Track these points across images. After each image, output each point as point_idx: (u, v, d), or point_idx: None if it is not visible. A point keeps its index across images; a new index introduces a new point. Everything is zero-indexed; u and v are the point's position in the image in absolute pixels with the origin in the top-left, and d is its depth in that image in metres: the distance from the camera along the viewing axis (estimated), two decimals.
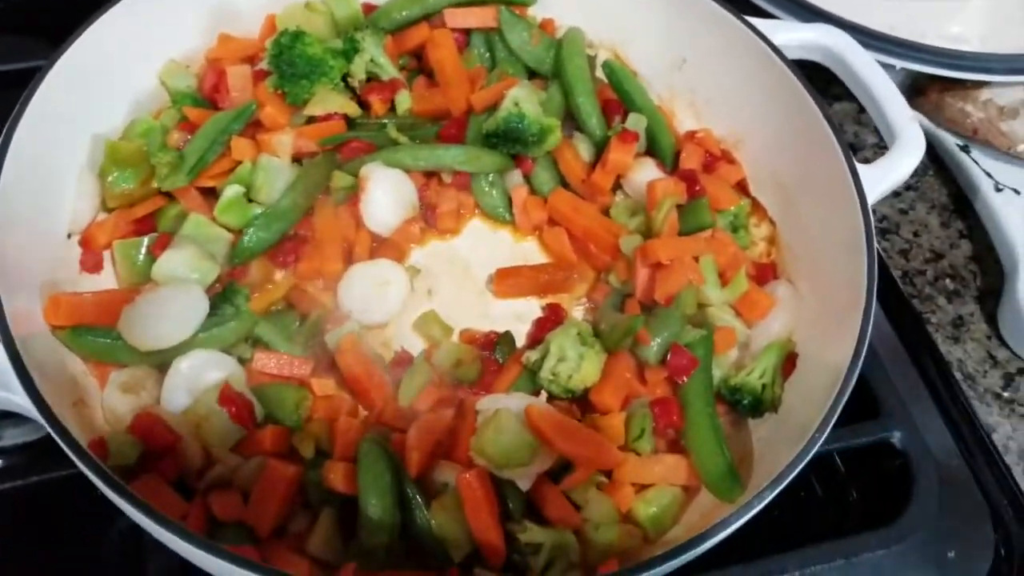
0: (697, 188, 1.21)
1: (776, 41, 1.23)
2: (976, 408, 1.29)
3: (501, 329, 1.20)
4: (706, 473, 1.04)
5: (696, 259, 1.16)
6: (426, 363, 1.12)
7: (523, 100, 1.24)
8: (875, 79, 1.20)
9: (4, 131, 1.04)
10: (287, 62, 1.21)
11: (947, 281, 1.43)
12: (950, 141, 1.48)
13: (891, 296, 1.32)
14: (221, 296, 1.10)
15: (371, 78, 1.30)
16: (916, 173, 1.18)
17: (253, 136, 1.23)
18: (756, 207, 1.28)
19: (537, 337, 1.17)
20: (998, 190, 1.42)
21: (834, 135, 1.15)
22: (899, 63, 1.40)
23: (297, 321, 1.16)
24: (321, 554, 0.97)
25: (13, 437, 1.11)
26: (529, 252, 1.30)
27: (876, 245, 1.06)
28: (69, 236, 1.15)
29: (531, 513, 1.01)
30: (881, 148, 1.49)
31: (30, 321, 1.00)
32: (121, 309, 1.05)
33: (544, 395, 1.11)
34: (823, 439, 0.95)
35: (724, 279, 1.17)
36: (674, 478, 1.05)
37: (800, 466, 0.94)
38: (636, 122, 1.28)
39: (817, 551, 1.08)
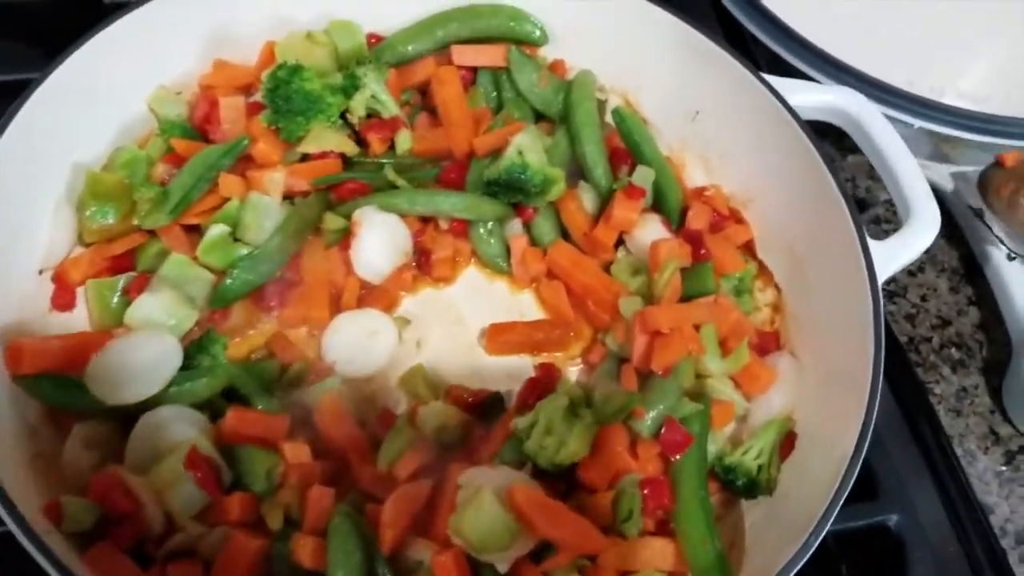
0: (703, 252, 1.16)
1: (792, 101, 1.18)
2: (975, 487, 1.25)
3: (491, 386, 1.15)
4: (695, 561, 0.99)
5: (697, 327, 1.10)
6: (408, 426, 1.07)
7: (527, 148, 1.19)
8: (892, 148, 1.15)
9: None
10: (283, 97, 1.15)
11: (953, 350, 1.39)
12: (963, 205, 1.43)
13: (895, 365, 1.27)
14: (197, 345, 1.06)
15: (371, 115, 1.24)
16: None
17: (243, 172, 1.18)
18: (762, 271, 1.23)
19: (527, 400, 1.12)
20: (1011, 259, 1.37)
21: (847, 207, 1.10)
22: (917, 122, 1.35)
23: (277, 372, 1.10)
24: None
25: None
26: (525, 305, 1.24)
27: (884, 323, 1.02)
28: (40, 272, 1.10)
29: None
30: (892, 205, 1.43)
31: None
32: (90, 356, 1.00)
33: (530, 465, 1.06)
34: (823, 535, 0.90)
35: (725, 348, 1.12)
36: (661, 564, 0.99)
37: (799, 565, 0.90)
38: (643, 176, 1.23)
39: None
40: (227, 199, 1.16)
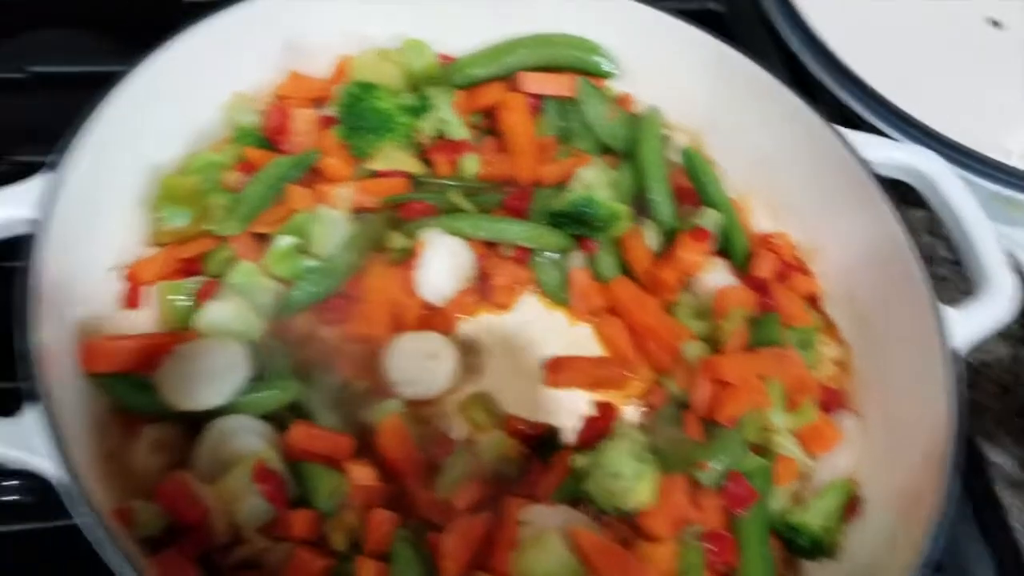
0: (770, 301, 1.16)
1: (867, 156, 1.17)
2: None
3: (546, 418, 1.14)
4: None
5: (763, 379, 1.09)
6: (468, 453, 1.06)
7: (594, 182, 1.19)
8: (970, 214, 1.14)
9: (68, 146, 0.99)
10: (357, 114, 1.16)
11: (1015, 419, 1.36)
12: None
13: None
14: (263, 355, 1.04)
15: (439, 136, 1.24)
16: None
17: (312, 185, 1.18)
18: (827, 325, 1.22)
19: (586, 438, 1.11)
20: None
21: (919, 269, 1.09)
22: (995, 188, 1.33)
23: (338, 388, 1.09)
24: None
25: None
26: (583, 337, 1.24)
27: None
28: (111, 269, 1.09)
29: None
30: (957, 265, 1.42)
31: (60, 366, 0.93)
32: (160, 357, 1.00)
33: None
34: None
35: (790, 403, 1.11)
36: None
37: None
38: (709, 218, 1.22)
39: None
40: (295, 210, 1.15)
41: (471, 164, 1.24)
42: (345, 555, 0.96)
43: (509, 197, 1.24)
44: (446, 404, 1.15)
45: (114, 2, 1.42)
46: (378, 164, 1.19)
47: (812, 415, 1.11)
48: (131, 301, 1.10)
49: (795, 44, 1.45)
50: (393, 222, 1.20)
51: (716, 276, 1.20)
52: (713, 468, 1.03)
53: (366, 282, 1.16)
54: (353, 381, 1.11)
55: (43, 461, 0.83)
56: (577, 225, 1.20)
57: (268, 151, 1.19)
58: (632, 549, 0.99)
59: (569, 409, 1.16)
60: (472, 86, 1.31)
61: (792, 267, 1.23)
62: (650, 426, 1.13)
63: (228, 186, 1.14)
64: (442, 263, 1.17)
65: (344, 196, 1.16)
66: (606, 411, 1.15)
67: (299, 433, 1.01)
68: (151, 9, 1.41)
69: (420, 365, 1.13)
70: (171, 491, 0.93)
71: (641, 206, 1.26)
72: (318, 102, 1.25)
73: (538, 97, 1.32)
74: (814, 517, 1.04)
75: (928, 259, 1.40)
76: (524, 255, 1.24)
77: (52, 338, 0.91)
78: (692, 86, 1.31)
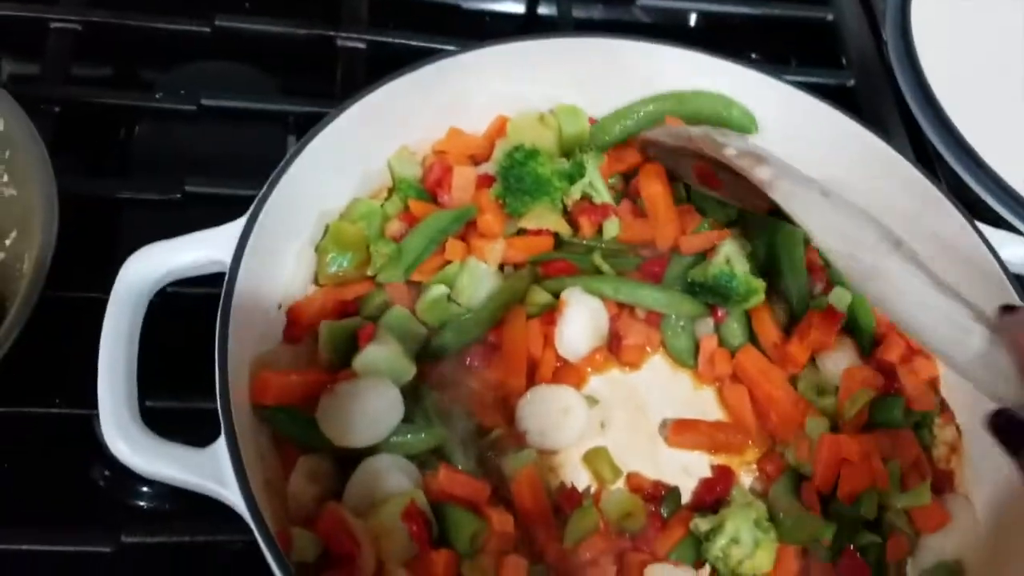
0: (896, 385, 1.20)
1: (1003, 253, 1.21)
2: None
3: (666, 478, 1.20)
4: None
5: (883, 460, 1.14)
6: (595, 508, 1.12)
7: (734, 257, 1.24)
8: None
9: (264, 192, 1.07)
10: (516, 177, 1.22)
11: None
12: None
13: None
14: (412, 398, 1.11)
15: (584, 198, 1.30)
16: None
17: (464, 237, 1.25)
18: (944, 408, 1.25)
19: (704, 499, 1.17)
20: None
21: None
22: None
23: (474, 432, 1.16)
24: None
25: None
26: (706, 401, 1.28)
27: None
28: (279, 307, 1.16)
29: None
30: None
31: (239, 399, 1.01)
32: (320, 393, 1.07)
33: (707, 568, 1.11)
34: None
35: (904, 482, 1.16)
36: None
37: None
38: (840, 298, 1.27)
39: None
40: (448, 261, 1.22)
41: (612, 227, 1.30)
42: None
43: (647, 263, 1.30)
44: (572, 455, 1.20)
45: (276, 40, 1.49)
46: (530, 223, 1.26)
47: (926, 497, 1.15)
48: (292, 336, 1.17)
49: (932, 135, 1.48)
50: (536, 278, 1.26)
51: (842, 355, 1.23)
52: (829, 542, 1.08)
53: (505, 333, 1.22)
54: (489, 427, 1.17)
55: (231, 492, 0.90)
56: (714, 295, 1.25)
57: (429, 204, 1.26)
58: None
59: (687, 469, 1.22)
60: (613, 145, 1.37)
61: (915, 351, 1.27)
62: (766, 494, 1.17)
63: (391, 234, 1.22)
64: (582, 321, 1.23)
65: (496, 251, 1.23)
66: (724, 475, 1.20)
67: (443, 476, 1.07)
68: (311, 49, 1.51)
69: (553, 417, 1.19)
70: (329, 522, 1.01)
71: (772, 279, 1.31)
72: (473, 158, 1.32)
73: None
74: None
75: None
76: (656, 318, 1.29)
77: (233, 372, 0.99)
78: (827, 164, 1.35)
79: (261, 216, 1.05)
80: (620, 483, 1.19)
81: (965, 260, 1.23)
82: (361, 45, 1.50)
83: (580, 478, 1.19)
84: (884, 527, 1.14)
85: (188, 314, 1.11)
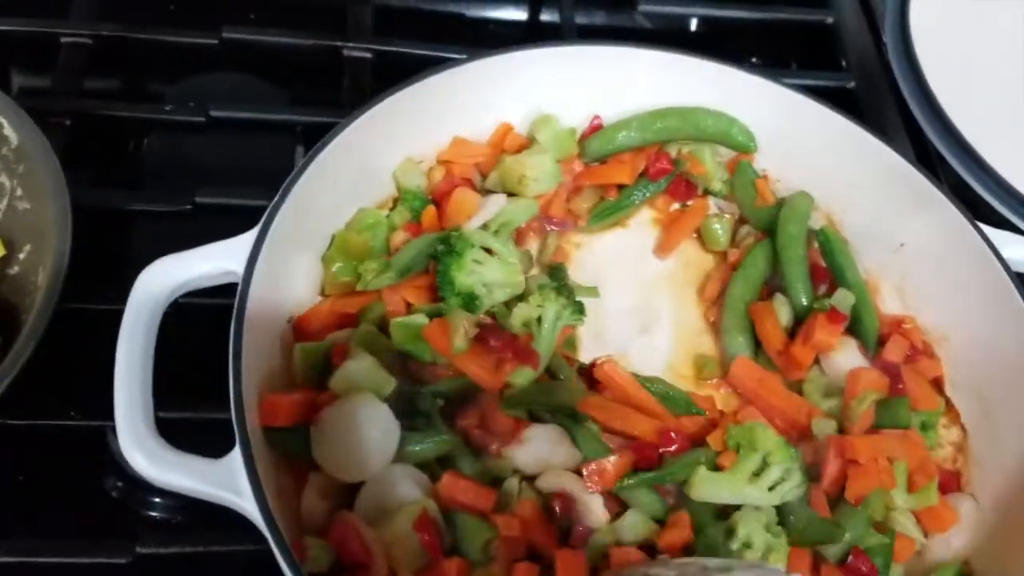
0: (900, 385, 1.21)
1: (1005, 253, 1.22)
2: None
3: None
4: None
5: (891, 460, 1.15)
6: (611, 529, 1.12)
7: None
8: None
9: (277, 198, 1.08)
10: (440, 271, 1.18)
11: None
12: None
13: None
14: (407, 404, 1.11)
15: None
16: None
17: None
18: (949, 408, 1.27)
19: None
20: None
21: None
22: None
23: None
24: None
25: None
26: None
27: None
28: (289, 321, 1.17)
29: None
30: None
31: (252, 410, 1.02)
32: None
33: None
34: None
35: (911, 484, 1.17)
36: None
37: None
38: (843, 299, 1.28)
39: None
40: None
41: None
42: None
43: None
44: None
45: (283, 51, 1.51)
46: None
47: (933, 497, 1.16)
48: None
49: (933, 136, 1.49)
50: None
51: (846, 356, 1.24)
52: (837, 543, 1.09)
53: None
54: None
55: (247, 502, 0.91)
56: None
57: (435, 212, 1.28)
58: None
59: None
60: (611, 155, 1.39)
61: (919, 351, 1.28)
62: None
63: (396, 245, 1.23)
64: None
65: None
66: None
67: (450, 483, 1.08)
68: (317, 59, 1.53)
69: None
70: (341, 531, 1.02)
71: (776, 282, 1.32)
72: (478, 166, 1.34)
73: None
74: None
75: None
76: None
77: (246, 383, 1.00)
78: (830, 167, 1.37)
79: (273, 226, 1.06)
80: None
81: (967, 261, 1.24)
82: (367, 55, 1.52)
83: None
84: (892, 528, 1.14)
85: (198, 326, 1.12)
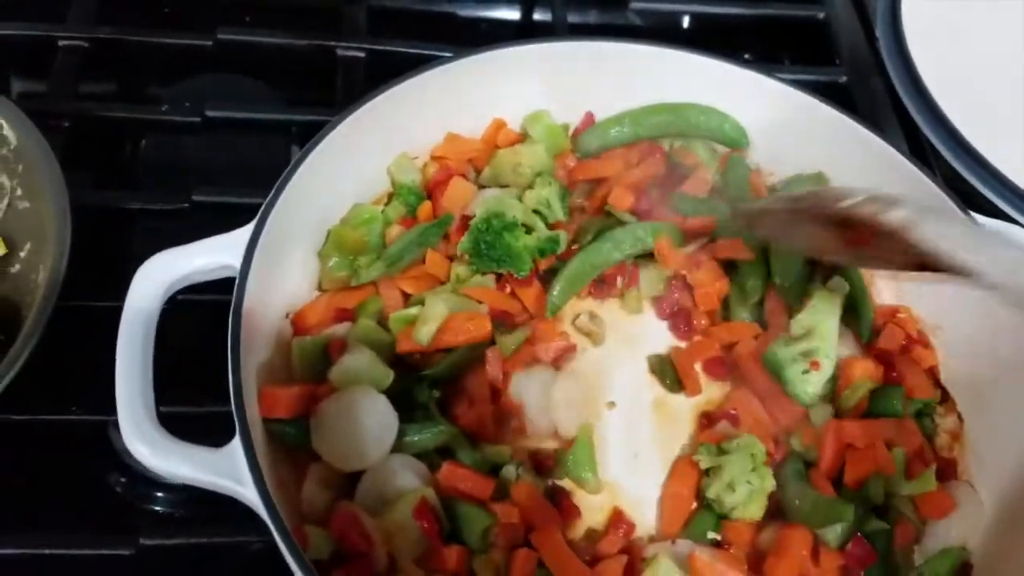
0: (894, 374, 1.22)
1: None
2: None
3: None
4: None
5: (888, 447, 1.16)
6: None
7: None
8: None
9: (270, 199, 1.09)
10: (488, 244, 1.20)
11: None
12: None
13: None
14: (406, 396, 1.12)
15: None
16: None
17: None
18: (945, 397, 1.27)
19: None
20: None
21: None
22: None
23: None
24: None
25: None
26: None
27: None
28: (287, 316, 1.18)
29: None
30: None
31: (250, 401, 1.03)
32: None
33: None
34: None
35: (908, 471, 1.17)
36: None
37: None
38: (838, 285, 1.29)
39: None
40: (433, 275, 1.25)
41: None
42: None
43: None
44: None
45: (277, 52, 1.52)
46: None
47: (931, 483, 1.17)
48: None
49: (926, 129, 1.50)
50: None
51: (843, 345, 1.25)
52: (838, 527, 1.11)
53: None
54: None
55: (248, 490, 0.92)
56: None
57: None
58: None
59: None
60: (603, 150, 1.39)
61: (914, 341, 1.29)
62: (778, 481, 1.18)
63: (391, 239, 1.24)
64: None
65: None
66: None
67: (449, 472, 1.09)
68: (312, 61, 1.54)
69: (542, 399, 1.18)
70: (343, 521, 1.02)
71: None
72: (472, 162, 1.35)
73: None
74: None
75: None
76: None
77: (244, 374, 1.01)
78: (821, 160, 1.37)
79: (269, 221, 1.07)
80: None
81: None
82: (361, 54, 1.53)
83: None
84: (891, 514, 1.15)
85: (193, 322, 1.14)
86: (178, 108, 1.43)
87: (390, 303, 1.21)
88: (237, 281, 1.03)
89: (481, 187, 1.33)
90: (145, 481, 1.13)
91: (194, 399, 1.13)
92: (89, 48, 1.46)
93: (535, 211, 1.27)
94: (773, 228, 1.17)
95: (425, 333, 1.15)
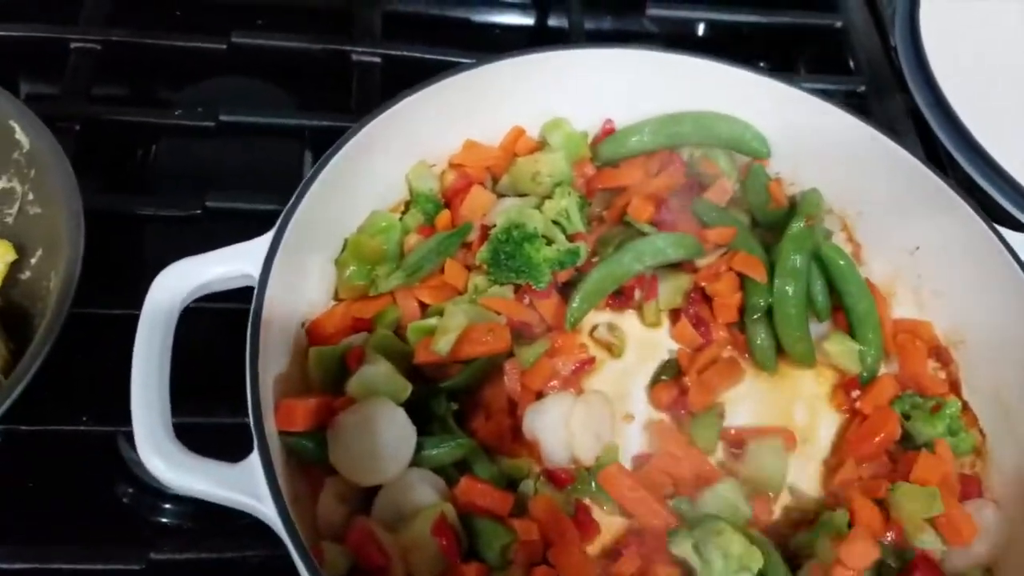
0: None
1: (1023, 256, 1.21)
2: None
3: None
4: None
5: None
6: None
7: None
8: None
9: (292, 201, 1.07)
10: (508, 254, 1.19)
11: None
12: None
13: None
14: (422, 408, 1.10)
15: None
16: None
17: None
18: (966, 412, 1.25)
19: None
20: None
21: None
22: None
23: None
24: None
25: None
26: None
27: None
28: (303, 325, 1.16)
29: None
30: None
31: (268, 414, 1.01)
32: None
33: None
34: None
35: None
36: None
37: None
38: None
39: None
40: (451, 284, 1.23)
41: None
42: None
43: None
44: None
45: (291, 56, 1.50)
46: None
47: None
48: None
49: (944, 138, 1.48)
50: None
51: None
52: None
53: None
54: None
55: (266, 507, 0.90)
56: None
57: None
58: None
59: None
60: (623, 159, 1.38)
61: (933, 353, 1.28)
62: None
63: (410, 247, 1.22)
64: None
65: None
66: None
67: (467, 486, 1.07)
68: (326, 63, 1.52)
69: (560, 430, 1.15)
70: (360, 537, 1.00)
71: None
72: (490, 170, 1.33)
73: None
74: None
75: None
76: None
77: (262, 387, 0.99)
78: (844, 170, 1.36)
79: (288, 230, 1.05)
80: None
81: (984, 263, 1.23)
82: (375, 59, 1.52)
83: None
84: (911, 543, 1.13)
85: (206, 331, 1.11)
86: (191, 112, 1.41)
87: (408, 313, 1.19)
88: (256, 290, 1.01)
89: (499, 195, 1.31)
90: (153, 492, 1.11)
91: (206, 409, 1.11)
92: (101, 51, 1.44)
93: (554, 222, 1.25)
94: None
95: (444, 344, 1.13)
